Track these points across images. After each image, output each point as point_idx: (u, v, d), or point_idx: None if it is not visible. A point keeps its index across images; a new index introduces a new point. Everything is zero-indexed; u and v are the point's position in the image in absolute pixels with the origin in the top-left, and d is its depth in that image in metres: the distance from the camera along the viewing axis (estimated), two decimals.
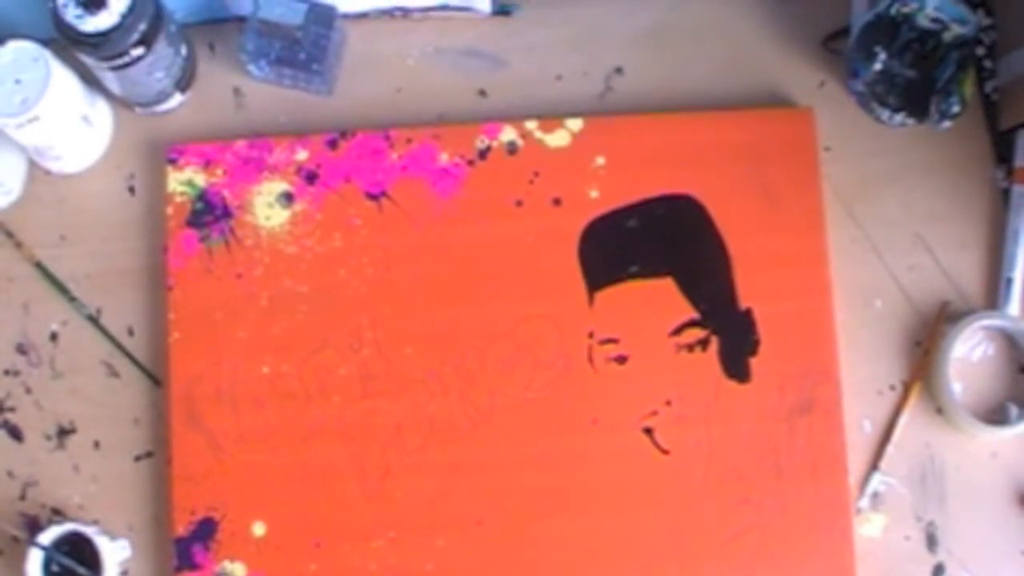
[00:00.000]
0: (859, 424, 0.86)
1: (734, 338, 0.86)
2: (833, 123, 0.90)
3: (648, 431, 0.85)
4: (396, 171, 0.89)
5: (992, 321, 0.87)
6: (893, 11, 0.86)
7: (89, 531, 0.81)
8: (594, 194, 0.88)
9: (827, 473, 0.84)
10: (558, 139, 0.89)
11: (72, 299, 0.89)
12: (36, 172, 0.91)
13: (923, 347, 0.88)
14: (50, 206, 0.91)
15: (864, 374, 0.87)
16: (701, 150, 0.88)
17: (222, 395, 0.85)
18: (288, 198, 0.89)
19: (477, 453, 0.85)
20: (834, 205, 0.90)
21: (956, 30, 0.86)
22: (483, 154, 0.89)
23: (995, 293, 0.88)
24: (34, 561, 0.80)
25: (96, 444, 0.87)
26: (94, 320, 0.88)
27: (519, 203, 0.88)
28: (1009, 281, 0.88)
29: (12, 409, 0.88)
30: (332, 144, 0.89)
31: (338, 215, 0.88)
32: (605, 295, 0.87)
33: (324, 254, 0.88)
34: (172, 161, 0.89)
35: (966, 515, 0.85)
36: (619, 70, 0.92)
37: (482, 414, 0.85)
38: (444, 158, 0.89)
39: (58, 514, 0.86)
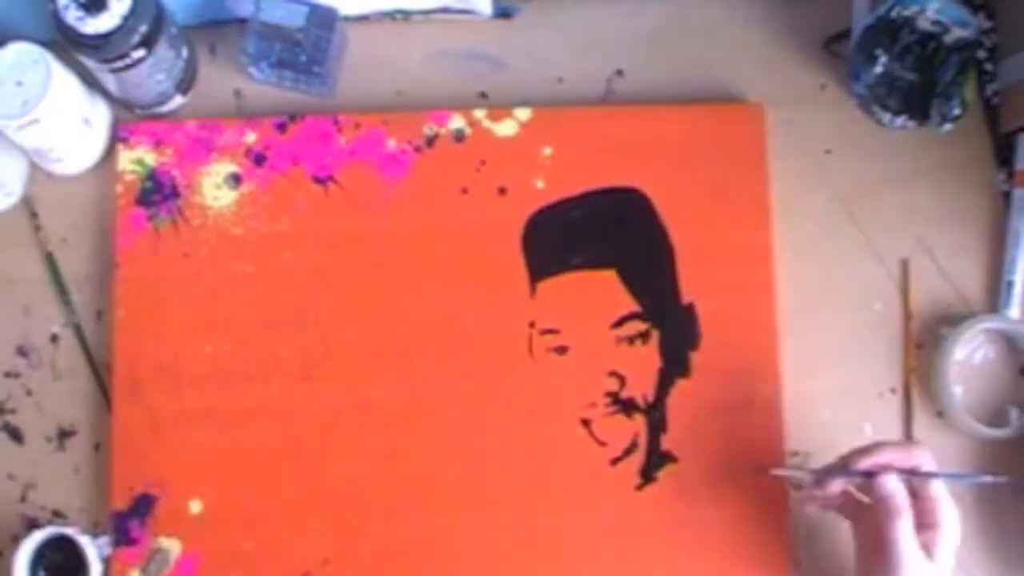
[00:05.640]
0: (860, 427, 0.86)
1: (675, 332, 0.86)
2: (834, 126, 0.91)
3: (586, 422, 0.85)
4: (344, 156, 0.89)
5: (993, 324, 0.87)
6: (894, 14, 0.86)
7: (70, 531, 0.81)
8: (540, 184, 0.88)
9: (764, 469, 0.84)
10: (506, 128, 0.89)
11: (66, 303, 0.89)
12: (37, 174, 0.91)
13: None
14: (51, 208, 0.91)
15: (864, 377, 0.87)
16: (648, 143, 0.89)
17: (164, 373, 0.86)
18: (236, 180, 0.89)
19: (414, 439, 0.85)
20: (835, 207, 0.90)
21: (957, 33, 0.86)
22: (430, 141, 0.89)
23: (996, 296, 0.88)
24: (20, 564, 0.81)
25: (96, 446, 0.87)
26: (78, 329, 0.88)
27: (465, 191, 0.89)
28: (1010, 284, 0.88)
29: (12, 411, 0.88)
30: (281, 127, 0.89)
31: (285, 198, 0.89)
32: (547, 285, 0.87)
33: (270, 236, 0.88)
34: (123, 140, 0.89)
35: (966, 519, 0.84)
36: (620, 72, 0.92)
37: (420, 400, 0.86)
38: (392, 144, 0.89)
39: (58, 516, 0.86)
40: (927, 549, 0.73)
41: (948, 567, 0.74)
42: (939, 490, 0.74)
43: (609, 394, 0.86)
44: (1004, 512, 0.86)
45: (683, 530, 0.84)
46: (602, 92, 0.92)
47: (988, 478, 0.79)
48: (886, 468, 0.75)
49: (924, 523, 0.74)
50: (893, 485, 0.74)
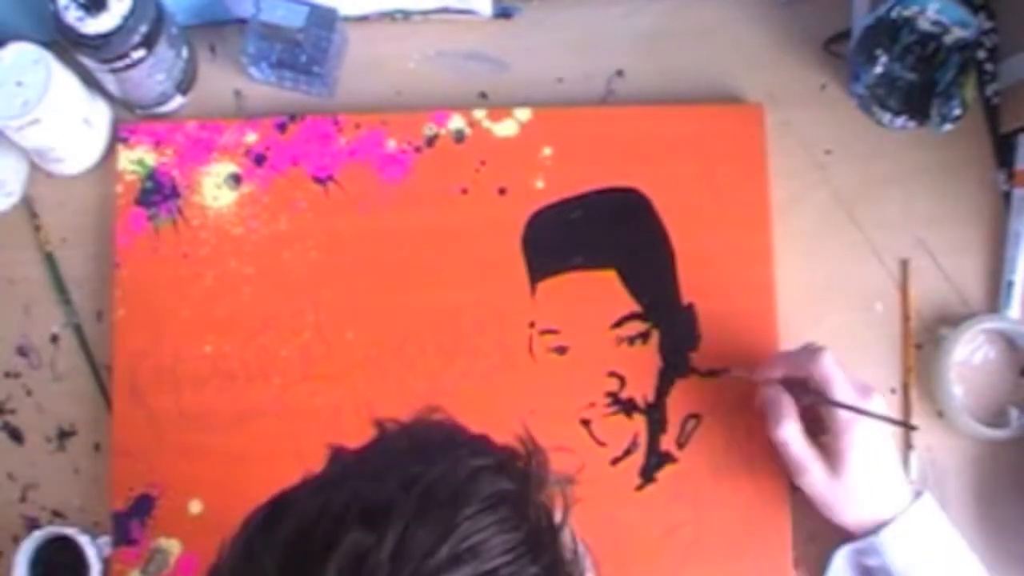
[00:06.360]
0: None
1: (675, 332, 0.86)
2: (834, 126, 0.90)
3: (586, 423, 0.85)
4: (344, 156, 0.89)
5: (993, 324, 0.87)
6: (894, 14, 0.86)
7: (70, 531, 0.81)
8: (540, 184, 0.88)
9: (764, 469, 0.84)
10: (506, 128, 0.89)
11: (66, 303, 0.89)
12: (37, 174, 0.91)
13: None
14: (51, 208, 0.91)
15: (864, 377, 0.86)
16: (648, 144, 0.89)
17: (164, 373, 0.86)
18: (236, 180, 0.89)
19: None
20: (835, 208, 0.90)
21: (957, 33, 0.86)
22: (430, 141, 0.89)
23: (996, 296, 0.88)
24: (20, 564, 0.81)
25: (96, 446, 0.87)
26: (78, 329, 0.88)
27: (465, 191, 0.89)
28: (1010, 284, 0.88)
29: (13, 411, 0.88)
30: (281, 127, 0.90)
31: (284, 198, 0.89)
32: (547, 285, 0.87)
33: (269, 236, 0.88)
34: (123, 140, 0.89)
35: (967, 518, 0.85)
36: (620, 73, 0.92)
37: (420, 400, 0.85)
38: (392, 144, 0.89)
39: (58, 516, 0.86)
40: (828, 451, 0.78)
41: (859, 475, 0.77)
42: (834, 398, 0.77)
43: (609, 394, 0.86)
44: (1004, 512, 0.85)
45: (683, 530, 0.84)
46: (602, 92, 0.92)
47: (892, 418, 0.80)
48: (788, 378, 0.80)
49: (825, 427, 0.79)
50: (770, 394, 0.80)
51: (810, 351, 0.79)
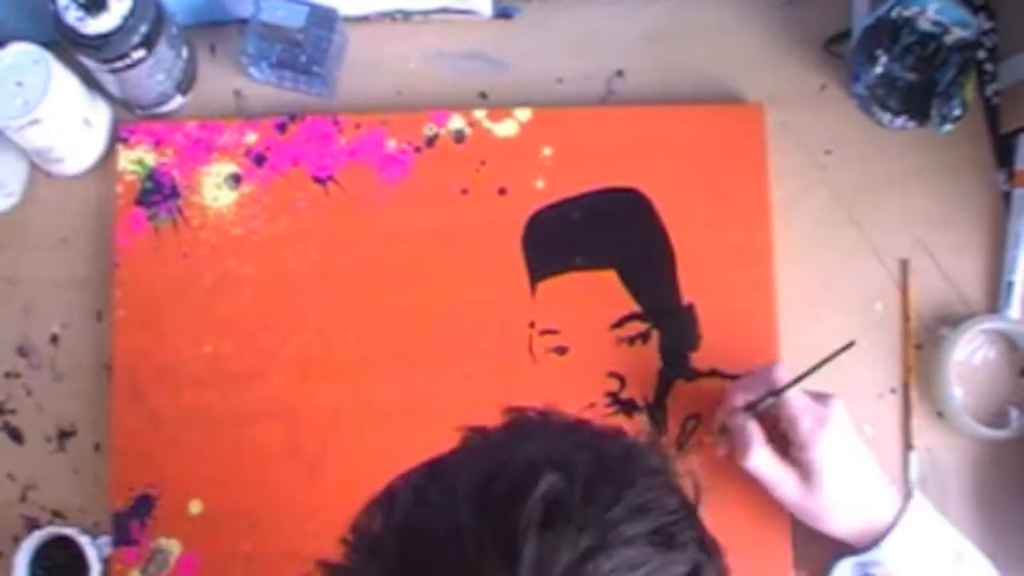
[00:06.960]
0: (860, 427, 0.86)
1: (675, 332, 0.86)
2: (834, 126, 0.91)
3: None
4: (344, 156, 0.89)
5: (993, 324, 0.87)
6: (894, 14, 0.86)
7: (70, 531, 0.81)
8: (540, 184, 0.88)
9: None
10: (506, 129, 0.89)
11: (66, 302, 0.89)
12: (37, 174, 0.91)
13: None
14: (51, 208, 0.91)
15: (864, 377, 0.87)
16: (649, 144, 0.89)
17: (164, 373, 0.86)
18: (236, 180, 0.89)
19: (414, 439, 0.84)
20: (835, 208, 0.90)
21: (957, 33, 0.86)
22: (431, 141, 0.89)
23: (996, 296, 0.88)
24: (20, 564, 0.81)
25: (96, 446, 0.87)
26: (79, 329, 0.88)
27: (465, 191, 0.89)
28: (1010, 284, 0.88)
29: (13, 411, 0.88)
30: (281, 128, 0.90)
31: (284, 198, 0.89)
32: (547, 286, 0.87)
33: (270, 236, 0.88)
34: (123, 140, 0.89)
35: (967, 519, 0.85)
36: (620, 73, 0.92)
37: (420, 400, 0.86)
38: (392, 144, 0.89)
39: (58, 516, 0.86)
40: (798, 465, 0.77)
41: (834, 484, 0.77)
42: (792, 408, 0.77)
43: (609, 394, 0.86)
44: (1004, 512, 0.85)
45: None
46: (602, 92, 0.92)
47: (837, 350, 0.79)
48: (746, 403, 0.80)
49: (791, 441, 0.78)
50: (734, 424, 0.80)
51: (762, 369, 0.80)
